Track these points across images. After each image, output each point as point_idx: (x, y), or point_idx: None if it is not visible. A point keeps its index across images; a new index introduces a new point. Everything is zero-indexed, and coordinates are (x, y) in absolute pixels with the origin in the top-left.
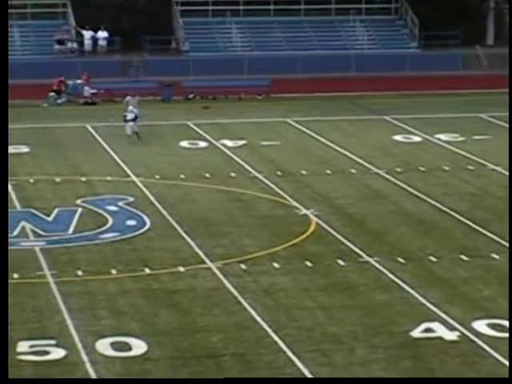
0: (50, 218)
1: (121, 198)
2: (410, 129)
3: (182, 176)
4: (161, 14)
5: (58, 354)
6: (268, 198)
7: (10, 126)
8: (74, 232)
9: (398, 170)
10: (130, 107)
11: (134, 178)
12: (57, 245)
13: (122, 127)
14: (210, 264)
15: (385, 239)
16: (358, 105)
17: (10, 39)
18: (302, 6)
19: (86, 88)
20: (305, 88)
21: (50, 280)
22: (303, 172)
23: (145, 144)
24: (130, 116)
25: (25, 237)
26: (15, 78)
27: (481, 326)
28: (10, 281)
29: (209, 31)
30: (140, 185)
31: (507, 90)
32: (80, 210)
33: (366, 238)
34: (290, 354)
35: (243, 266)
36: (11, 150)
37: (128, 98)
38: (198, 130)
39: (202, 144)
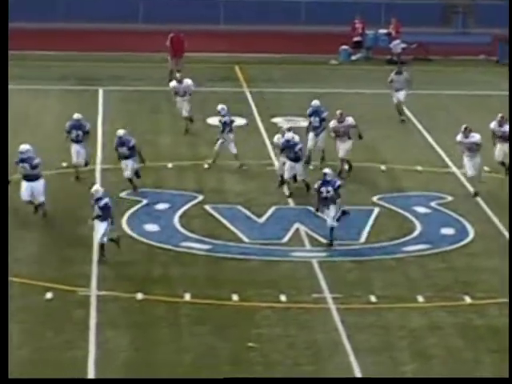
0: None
1: (435, 195)
2: None
3: None
4: None
5: None
6: None
7: (290, 90)
8: (367, 241)
9: None
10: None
11: (454, 168)
12: (343, 258)
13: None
14: None
15: None
16: None
17: None
18: None
19: (396, 42)
20: None
21: (332, 306)
22: None
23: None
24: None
25: (298, 245)
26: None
27: None
28: (276, 305)
29: None
30: (462, 178)
31: None
32: (376, 210)
33: None
34: None
35: None
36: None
37: None
38: None
39: None
